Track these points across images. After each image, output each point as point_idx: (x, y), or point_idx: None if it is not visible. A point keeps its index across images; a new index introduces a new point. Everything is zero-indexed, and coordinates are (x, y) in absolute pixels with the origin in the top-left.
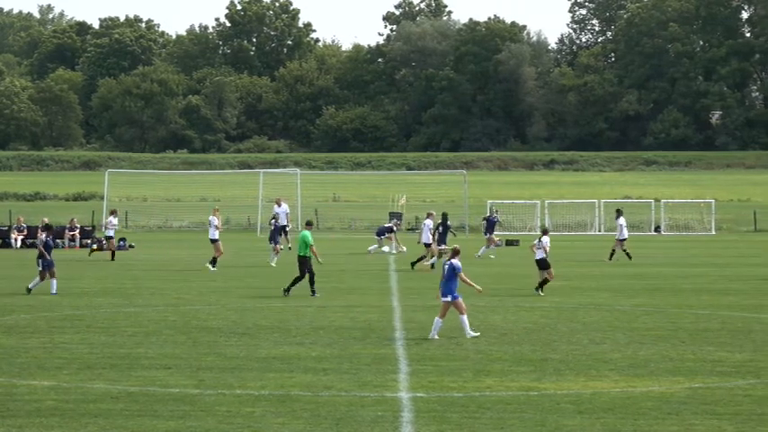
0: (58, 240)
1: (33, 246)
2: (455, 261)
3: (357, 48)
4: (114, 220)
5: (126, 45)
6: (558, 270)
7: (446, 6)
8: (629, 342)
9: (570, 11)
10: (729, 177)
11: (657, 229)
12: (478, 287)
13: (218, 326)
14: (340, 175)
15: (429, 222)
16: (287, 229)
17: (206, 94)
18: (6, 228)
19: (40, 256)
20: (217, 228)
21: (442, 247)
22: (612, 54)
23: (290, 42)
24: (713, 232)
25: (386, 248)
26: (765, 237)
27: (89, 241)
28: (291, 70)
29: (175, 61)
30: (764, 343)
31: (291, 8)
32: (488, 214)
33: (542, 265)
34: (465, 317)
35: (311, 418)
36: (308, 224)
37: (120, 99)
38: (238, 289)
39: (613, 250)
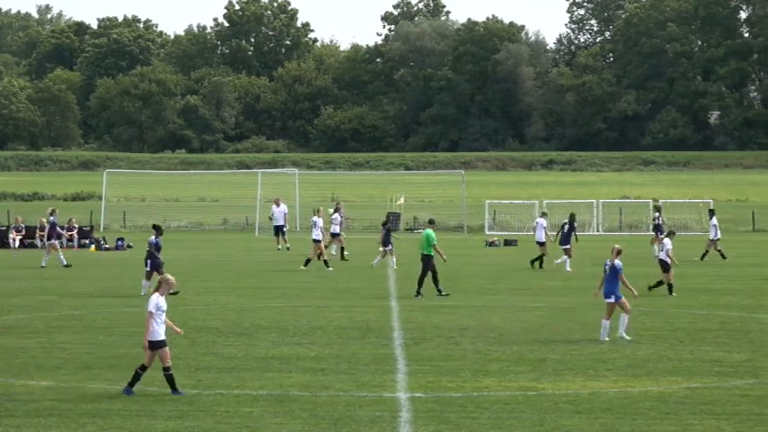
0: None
1: (32, 246)
2: (617, 261)
3: (355, 48)
4: (338, 217)
5: (124, 45)
6: (558, 270)
7: (444, 6)
8: (627, 342)
9: (568, 11)
10: (728, 177)
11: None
12: (635, 291)
13: (217, 326)
14: (338, 175)
15: (542, 221)
16: (284, 229)
17: (204, 95)
18: (5, 228)
19: (150, 256)
20: (321, 229)
21: (567, 246)
22: (611, 54)
23: (288, 42)
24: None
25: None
26: (764, 237)
27: (87, 241)
28: (290, 70)
29: (174, 61)
30: (762, 343)
31: (290, 8)
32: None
33: (664, 267)
34: (627, 317)
35: (309, 418)
36: (431, 222)
37: (119, 99)
38: (236, 289)
39: (706, 250)
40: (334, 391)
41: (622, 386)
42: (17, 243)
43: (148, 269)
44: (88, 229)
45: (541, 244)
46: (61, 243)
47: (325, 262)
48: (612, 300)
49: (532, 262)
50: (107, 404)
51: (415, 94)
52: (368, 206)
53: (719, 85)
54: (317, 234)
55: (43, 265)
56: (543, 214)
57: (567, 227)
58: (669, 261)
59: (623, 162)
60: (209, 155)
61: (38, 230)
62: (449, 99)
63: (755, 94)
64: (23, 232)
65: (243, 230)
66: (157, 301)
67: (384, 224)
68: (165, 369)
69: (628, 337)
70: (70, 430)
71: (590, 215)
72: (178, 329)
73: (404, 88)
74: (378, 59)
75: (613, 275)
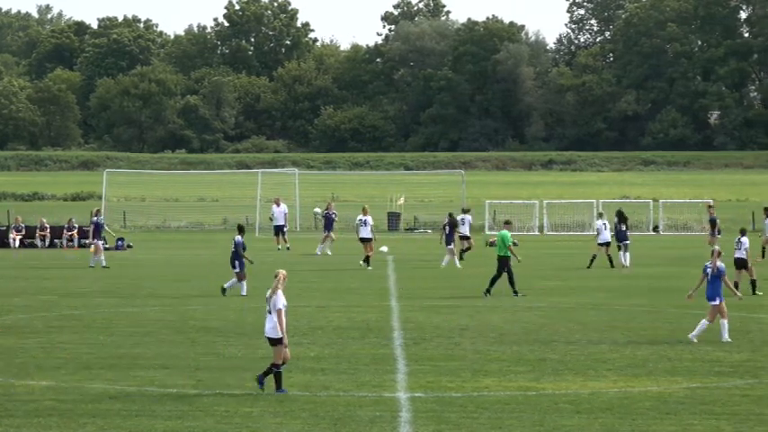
0: (56, 240)
1: (32, 246)
2: (720, 263)
3: (355, 48)
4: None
5: (124, 45)
6: (557, 270)
7: (444, 6)
8: (627, 342)
9: (568, 11)
10: (728, 177)
11: (656, 228)
12: (739, 294)
13: (217, 326)
14: (338, 175)
15: (603, 222)
16: (285, 229)
17: (204, 94)
18: (5, 228)
19: (237, 256)
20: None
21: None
22: (611, 54)
23: (288, 42)
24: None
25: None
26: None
27: (87, 241)
28: (290, 70)
29: (174, 61)
30: (762, 343)
31: (290, 8)
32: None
33: (740, 264)
34: (726, 321)
35: (309, 418)
36: (507, 223)
37: (119, 99)
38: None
39: (764, 248)
40: (334, 390)
41: (622, 386)
42: (17, 243)
43: (238, 270)
44: (88, 229)
45: (603, 244)
46: (61, 243)
47: (367, 258)
48: (717, 302)
49: (611, 262)
50: (107, 404)
51: (415, 94)
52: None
53: (719, 85)
54: (366, 232)
55: (92, 265)
56: (600, 215)
57: (621, 224)
58: (747, 259)
59: (623, 162)
60: (209, 155)
61: (38, 230)
62: (449, 99)
63: (755, 94)
64: (23, 232)
65: None
66: (283, 298)
67: (445, 225)
68: (275, 366)
69: (729, 339)
70: (70, 430)
71: (590, 215)
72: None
73: (404, 88)
74: (378, 59)
75: (716, 278)
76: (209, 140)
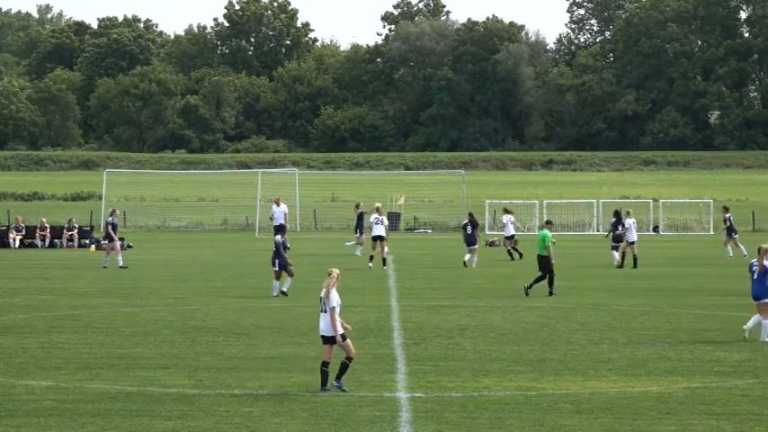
0: (56, 240)
1: (32, 246)
2: (766, 262)
3: (355, 48)
4: (509, 219)
5: (124, 45)
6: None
7: (444, 6)
8: (627, 342)
9: (568, 11)
10: (728, 177)
11: (656, 229)
12: None
13: (217, 326)
14: (338, 175)
15: (630, 221)
16: (285, 229)
17: (204, 94)
18: (5, 228)
19: (277, 256)
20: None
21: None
22: (611, 54)
23: (288, 42)
24: (711, 232)
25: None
26: (764, 237)
27: (87, 241)
28: (290, 70)
29: (174, 61)
30: (762, 343)
31: (290, 8)
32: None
33: None
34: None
35: (309, 418)
36: (548, 223)
37: (119, 99)
38: (236, 289)
39: None
40: (334, 391)
41: (622, 386)
42: (17, 243)
43: (277, 269)
44: (88, 229)
45: (632, 243)
46: (61, 243)
47: (513, 251)
48: (766, 300)
49: (635, 263)
50: (107, 404)
51: (414, 94)
52: (368, 206)
53: (719, 85)
54: (381, 230)
55: (121, 264)
56: (628, 213)
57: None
58: None
59: (623, 162)
60: (209, 155)
61: (38, 230)
62: (449, 99)
63: (755, 93)
64: (23, 232)
65: (243, 230)
66: (337, 296)
67: (465, 225)
68: (324, 365)
69: None
70: (70, 430)
71: (590, 215)
72: (340, 328)
73: (404, 88)
74: (378, 59)
75: (764, 276)
76: (209, 140)
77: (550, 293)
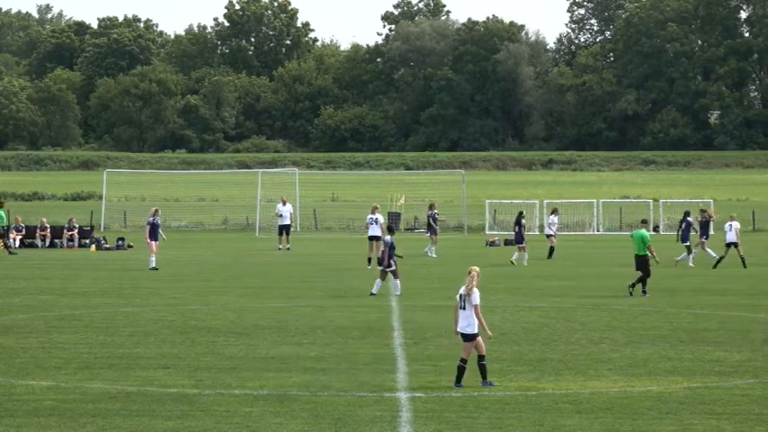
0: (56, 240)
1: (32, 246)
2: None
3: (355, 47)
4: (555, 219)
5: (124, 45)
6: (557, 270)
7: (444, 6)
8: (627, 342)
9: (569, 10)
10: (728, 177)
11: (656, 228)
12: None
13: (217, 326)
14: (338, 175)
15: (728, 223)
16: (290, 229)
17: (204, 94)
18: (5, 228)
19: (388, 256)
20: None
21: (703, 240)
22: (611, 54)
23: (288, 42)
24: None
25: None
26: (764, 236)
27: (87, 241)
28: (290, 70)
29: (174, 61)
30: (763, 343)
31: (290, 8)
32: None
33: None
34: None
35: (309, 417)
36: (644, 222)
37: (119, 99)
38: (236, 289)
39: None
40: (334, 390)
41: (623, 386)
42: (17, 243)
43: (393, 268)
44: (88, 228)
45: (732, 245)
46: (62, 243)
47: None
48: None
49: (743, 262)
50: (107, 404)
51: (415, 94)
52: (368, 206)
53: (719, 84)
54: (376, 231)
55: (153, 265)
56: (687, 213)
57: (683, 223)
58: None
59: (623, 162)
60: (209, 155)
61: (38, 230)
62: (449, 99)
63: (756, 93)
64: (23, 232)
65: (243, 230)
66: (479, 293)
67: (515, 224)
68: (462, 361)
69: None
70: (70, 430)
71: (590, 215)
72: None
73: (404, 88)
74: (378, 59)
75: None
76: (209, 140)
77: (644, 293)
